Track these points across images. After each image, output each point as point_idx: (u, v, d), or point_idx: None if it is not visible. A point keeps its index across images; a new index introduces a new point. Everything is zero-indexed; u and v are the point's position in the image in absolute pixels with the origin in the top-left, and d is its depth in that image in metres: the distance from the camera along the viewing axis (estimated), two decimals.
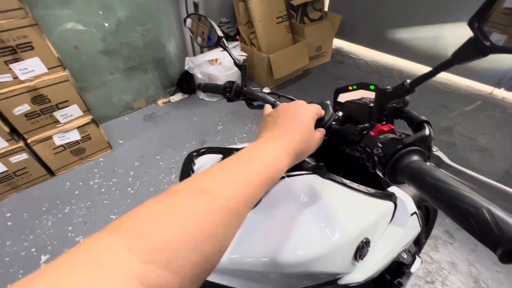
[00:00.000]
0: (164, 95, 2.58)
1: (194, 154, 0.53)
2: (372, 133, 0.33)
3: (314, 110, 0.40)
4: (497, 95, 2.39)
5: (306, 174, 0.47)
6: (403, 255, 0.57)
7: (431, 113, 2.23)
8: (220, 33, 0.67)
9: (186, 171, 0.47)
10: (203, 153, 0.54)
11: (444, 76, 2.67)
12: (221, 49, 2.30)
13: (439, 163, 0.39)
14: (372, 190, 0.47)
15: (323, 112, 0.42)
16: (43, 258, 1.35)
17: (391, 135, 0.31)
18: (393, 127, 0.32)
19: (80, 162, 1.87)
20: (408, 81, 0.31)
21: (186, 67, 2.41)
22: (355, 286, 0.46)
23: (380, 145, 0.31)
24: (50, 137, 1.67)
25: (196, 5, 2.36)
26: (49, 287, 0.15)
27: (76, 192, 1.68)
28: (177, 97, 2.58)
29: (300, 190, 0.43)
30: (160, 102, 2.52)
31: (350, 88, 0.53)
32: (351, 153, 0.44)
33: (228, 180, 0.26)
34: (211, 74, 2.29)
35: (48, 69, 1.53)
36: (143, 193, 1.66)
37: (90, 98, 2.13)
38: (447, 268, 1.24)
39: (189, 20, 0.72)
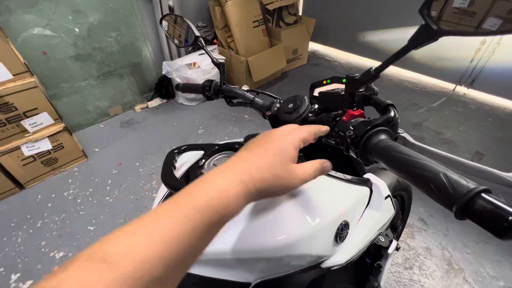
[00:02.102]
0: (142, 100, 2.52)
1: (176, 151, 0.53)
2: (344, 118, 0.36)
3: (298, 136, 0.32)
4: (459, 92, 2.59)
5: None
6: (380, 239, 0.60)
7: (402, 110, 2.37)
8: (197, 33, 0.68)
9: (168, 169, 0.47)
10: (184, 150, 0.54)
11: (412, 76, 2.85)
12: (199, 52, 2.31)
13: (405, 143, 0.42)
14: (349, 177, 0.49)
15: (320, 133, 0.35)
16: (13, 277, 1.25)
17: (361, 119, 0.34)
18: (362, 111, 0.35)
19: (53, 173, 1.77)
20: (374, 67, 0.34)
21: (163, 72, 2.37)
22: (337, 269, 0.48)
23: (351, 128, 0.33)
24: (18, 148, 1.57)
25: (171, 9, 2.35)
26: None
27: (49, 205, 1.59)
28: (155, 102, 2.53)
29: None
30: (137, 108, 2.45)
31: (324, 82, 0.56)
32: (328, 142, 0.46)
33: (141, 238, 0.20)
34: (189, 78, 2.28)
35: (13, 75, 1.44)
36: (123, 202, 1.60)
37: (62, 106, 2.03)
38: (423, 254, 1.31)
39: (165, 21, 0.72)
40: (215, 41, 2.67)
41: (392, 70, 2.95)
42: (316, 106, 0.51)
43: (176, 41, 0.72)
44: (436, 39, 0.28)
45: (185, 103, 2.50)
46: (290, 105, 0.48)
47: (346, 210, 0.44)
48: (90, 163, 1.88)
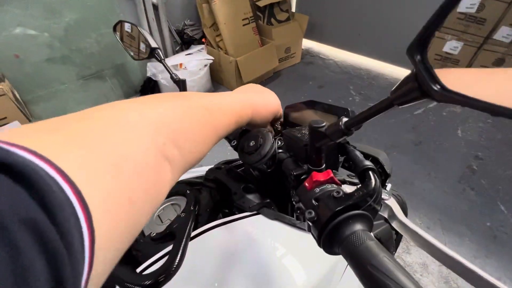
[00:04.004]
0: None
1: None
2: (306, 184, 0.26)
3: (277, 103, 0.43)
4: None
5: (250, 215, 0.39)
6: None
7: (397, 112, 2.27)
8: (154, 44, 0.58)
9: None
10: None
11: None
12: (186, 52, 2.16)
13: (391, 216, 0.33)
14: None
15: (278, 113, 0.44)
16: None
17: (329, 188, 0.25)
18: (331, 175, 0.26)
19: None
20: (344, 120, 0.24)
21: (148, 74, 2.26)
22: None
23: (314, 203, 0.24)
24: None
25: (155, 7, 2.22)
26: (83, 128, 0.18)
27: None
28: None
29: (239, 241, 0.35)
30: None
31: (299, 106, 0.46)
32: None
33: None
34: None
35: None
36: None
37: (39, 112, 1.92)
38: (419, 271, 1.24)
39: (118, 29, 0.62)
40: (203, 40, 2.55)
41: (388, 69, 2.85)
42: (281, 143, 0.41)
43: (131, 53, 0.62)
44: (436, 100, 0.18)
45: None
46: (252, 143, 0.38)
47: (320, 278, 0.35)
48: None
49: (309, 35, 3.25)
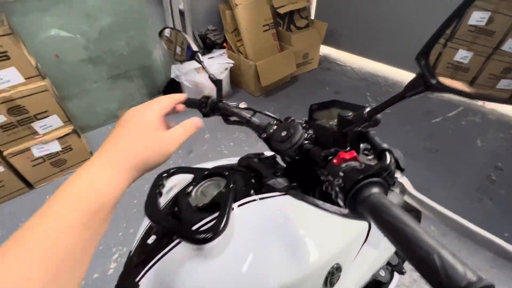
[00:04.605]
0: None
1: (164, 175, 0.51)
2: (334, 161, 0.32)
3: (156, 105, 0.34)
4: (477, 101, 2.46)
5: (278, 195, 0.46)
6: (380, 273, 0.56)
7: (414, 119, 2.27)
8: (195, 48, 0.66)
9: (153, 197, 0.45)
10: (173, 173, 0.52)
11: None
12: (208, 56, 2.29)
13: (403, 191, 0.39)
14: (346, 211, 0.46)
15: (176, 100, 0.39)
16: None
17: (353, 164, 0.31)
18: (355, 154, 0.32)
19: (61, 174, 1.81)
20: (367, 109, 0.30)
21: (172, 75, 2.38)
22: None
23: (341, 174, 0.30)
24: (28, 149, 1.61)
25: (182, 13, 2.36)
26: None
27: None
28: None
29: (270, 214, 0.41)
30: None
31: (323, 104, 0.52)
32: (320, 173, 0.43)
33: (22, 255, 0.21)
34: (197, 82, 2.28)
35: (25, 79, 1.48)
36: (126, 204, 1.61)
37: (72, 108, 2.07)
38: None
39: (164, 34, 0.71)
40: (224, 44, 2.66)
41: (406, 76, 2.85)
42: (312, 131, 0.48)
43: (174, 56, 0.71)
44: (433, 92, 0.25)
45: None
46: (283, 133, 0.45)
47: (339, 251, 0.41)
48: None
49: (327, 41, 3.30)
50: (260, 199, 0.44)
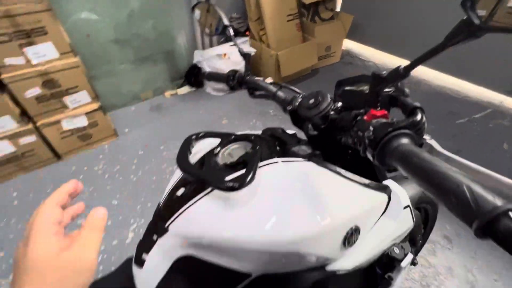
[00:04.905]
0: (172, 87, 2.61)
1: (193, 137, 0.54)
2: (365, 118, 0.34)
3: (46, 225, 0.29)
4: (508, 104, 2.34)
5: (301, 161, 0.47)
6: (395, 250, 0.57)
7: (438, 118, 2.20)
8: (226, 22, 0.68)
9: (184, 153, 0.48)
10: (202, 137, 0.55)
11: (455, 82, 2.62)
12: (230, 44, 2.32)
13: (431, 150, 0.39)
14: (366, 181, 0.47)
15: (63, 198, 0.34)
16: None
17: (384, 120, 0.32)
18: (386, 112, 0.33)
19: (86, 148, 1.91)
20: (402, 66, 0.31)
21: (194, 60, 2.43)
22: (343, 275, 0.46)
23: (371, 128, 0.31)
24: (58, 122, 1.71)
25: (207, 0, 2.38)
26: None
27: (81, 177, 1.72)
28: (185, 89, 2.60)
29: (293, 175, 0.43)
30: (167, 94, 2.54)
31: (351, 80, 0.53)
32: (346, 142, 0.44)
33: None
34: (219, 68, 2.31)
35: (60, 54, 1.56)
36: (145, 181, 1.69)
37: (99, 86, 2.16)
38: (443, 273, 1.23)
39: (197, 10, 0.73)
40: (247, 33, 2.67)
41: (431, 74, 2.74)
42: (340, 104, 0.49)
43: (206, 30, 0.73)
44: (478, 36, 0.25)
45: (213, 93, 2.55)
46: (311, 101, 0.46)
47: (358, 214, 0.42)
48: (120, 142, 2.00)
49: (351, 35, 3.21)
50: (284, 162, 0.45)
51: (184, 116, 2.28)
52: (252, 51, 2.48)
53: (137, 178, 1.71)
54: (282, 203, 0.39)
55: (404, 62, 0.31)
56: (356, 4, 3.15)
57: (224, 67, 2.30)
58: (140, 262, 0.44)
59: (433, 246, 1.33)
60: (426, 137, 0.36)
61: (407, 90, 0.45)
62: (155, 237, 0.44)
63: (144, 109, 2.37)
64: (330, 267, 0.42)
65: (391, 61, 3.07)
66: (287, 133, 0.58)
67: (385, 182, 0.51)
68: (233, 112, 2.32)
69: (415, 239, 0.85)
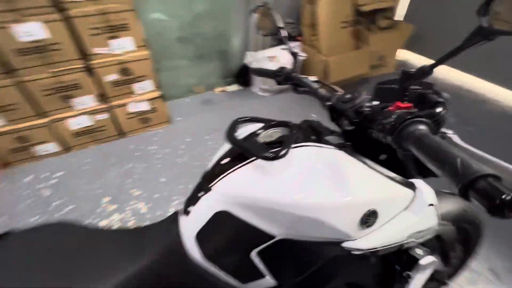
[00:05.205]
0: (222, 84, 2.80)
1: (240, 120, 0.63)
2: (390, 108, 0.38)
3: None
4: None
5: (333, 148, 0.52)
6: (416, 250, 0.58)
7: (496, 139, 1.96)
8: (280, 24, 0.76)
9: (231, 130, 0.57)
10: (247, 121, 0.64)
11: None
12: (281, 47, 2.42)
13: (450, 143, 0.41)
14: (392, 175, 0.50)
15: None
16: (104, 199, 1.64)
17: (406, 110, 0.36)
18: (411, 104, 0.37)
19: (144, 130, 2.18)
20: (428, 64, 0.35)
21: (245, 61, 2.58)
22: (360, 260, 0.50)
23: (394, 116, 0.36)
24: (126, 104, 2.00)
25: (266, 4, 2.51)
26: None
27: (137, 154, 1.98)
28: (233, 87, 2.77)
29: (323, 157, 0.49)
30: (217, 90, 2.75)
31: (389, 82, 0.56)
32: (377, 137, 0.48)
33: None
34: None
35: (136, 47, 1.83)
36: (189, 165, 1.87)
37: (161, 78, 2.45)
38: None
39: (255, 13, 0.83)
40: (299, 38, 2.74)
41: (502, 93, 2.45)
42: (375, 102, 0.53)
43: (260, 30, 0.82)
44: (490, 40, 0.29)
45: (259, 93, 2.67)
46: (348, 95, 0.51)
47: (377, 200, 0.46)
48: (172, 128, 2.23)
49: (410, 46, 3.05)
50: (316, 146, 0.51)
51: (230, 111, 2.44)
52: (302, 55, 2.54)
53: (182, 162, 1.90)
54: (310, 176, 0.46)
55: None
56: (421, 13, 2.98)
57: (273, 69, 2.40)
58: (186, 213, 0.54)
59: (475, 276, 1.22)
60: (449, 131, 0.39)
61: (446, 95, 0.47)
62: (200, 194, 0.54)
63: (196, 102, 2.60)
64: (346, 244, 0.47)
65: (455, 75, 2.83)
66: (323, 125, 0.63)
67: (414, 181, 0.53)
68: (275, 112, 2.40)
69: (448, 255, 0.82)
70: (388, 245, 0.48)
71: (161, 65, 2.41)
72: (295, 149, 0.50)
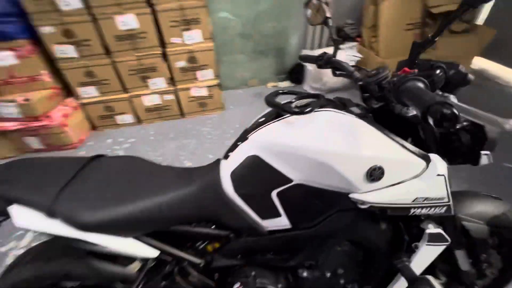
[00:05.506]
0: (275, 79, 2.95)
1: (280, 91, 0.74)
2: (398, 72, 0.45)
3: None
4: None
5: (353, 116, 0.60)
6: (428, 225, 0.61)
7: None
8: (328, 14, 0.85)
9: (271, 96, 0.69)
10: (285, 93, 0.75)
11: None
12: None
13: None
14: (407, 145, 0.55)
15: None
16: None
17: (412, 75, 0.42)
18: (416, 70, 0.43)
19: (201, 113, 2.46)
20: (430, 35, 0.41)
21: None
22: (367, 214, 0.57)
23: (397, 78, 0.42)
24: (189, 89, 2.29)
25: (327, 4, 2.55)
26: None
27: (192, 133, 2.26)
28: (285, 84, 2.89)
29: (342, 119, 0.57)
30: (269, 84, 2.90)
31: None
32: (399, 111, 0.54)
33: None
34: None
35: (203, 39, 2.10)
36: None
37: (220, 69, 2.71)
38: None
39: (308, 8, 0.93)
40: (358, 39, 2.70)
41: None
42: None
43: (310, 21, 0.92)
44: (475, 7, 0.34)
45: (309, 91, 2.73)
46: (374, 71, 0.58)
47: (385, 159, 0.52)
48: (224, 115, 2.47)
49: (489, 53, 2.71)
50: (338, 112, 0.60)
51: None
52: (358, 56, 2.51)
53: (229, 144, 2.09)
54: (327, 131, 0.55)
55: None
56: (507, 18, 2.63)
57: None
58: (226, 157, 0.69)
59: None
60: (451, 96, 0.43)
61: (470, 77, 0.51)
62: (239, 143, 0.67)
63: (248, 94, 2.80)
64: (353, 196, 0.54)
65: None
66: (352, 102, 0.70)
67: (430, 155, 0.57)
68: None
69: (478, 257, 0.79)
70: (394, 204, 0.54)
71: (222, 57, 2.68)
72: (319, 112, 0.59)
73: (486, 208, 0.80)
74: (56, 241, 0.83)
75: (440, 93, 0.45)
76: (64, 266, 0.74)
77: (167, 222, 0.65)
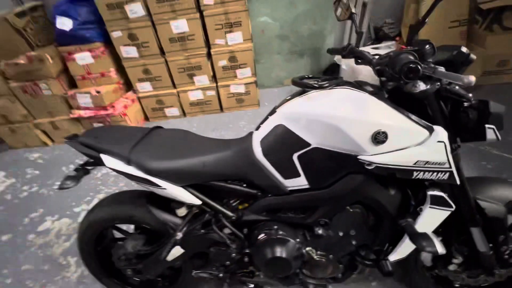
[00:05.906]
0: None
1: (306, 76, 0.87)
2: (396, 50, 0.54)
3: None
4: None
5: (365, 93, 0.70)
6: (433, 192, 0.68)
7: None
8: (353, 10, 0.95)
9: (296, 78, 0.82)
10: (310, 78, 0.87)
11: None
12: (372, 47, 2.50)
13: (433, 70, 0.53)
14: (414, 117, 0.64)
15: None
16: None
17: (406, 50, 0.52)
18: (411, 48, 0.53)
19: (238, 109, 2.67)
20: (421, 16, 0.51)
21: (335, 59, 2.72)
22: (370, 170, 0.66)
23: (394, 53, 0.53)
24: (228, 86, 2.51)
25: (365, 5, 2.59)
26: None
27: (230, 126, 2.46)
28: None
29: (355, 95, 0.68)
30: None
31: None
32: (410, 90, 0.63)
33: None
34: (354, 67, 2.49)
35: (243, 40, 2.30)
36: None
37: (257, 68, 2.89)
38: None
39: (338, 7, 1.04)
40: (397, 38, 2.66)
41: None
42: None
43: (338, 17, 1.03)
44: None
45: None
46: (385, 54, 0.68)
47: (389, 125, 0.61)
48: (259, 111, 2.63)
49: None
50: (352, 89, 0.70)
51: None
52: None
53: None
54: (340, 101, 0.66)
55: None
56: None
57: (360, 67, 2.46)
58: (257, 128, 0.84)
59: None
60: (440, 67, 0.51)
61: (472, 57, 0.59)
62: (268, 116, 0.81)
63: (283, 92, 2.93)
64: (361, 157, 0.65)
65: None
66: (367, 83, 0.80)
67: (434, 127, 0.64)
68: None
69: (497, 239, 0.82)
70: (396, 165, 0.63)
71: (259, 57, 2.86)
72: (336, 88, 0.71)
73: (506, 192, 0.82)
74: (124, 193, 1.07)
75: (432, 65, 0.54)
76: (131, 211, 0.96)
77: (208, 177, 0.82)
